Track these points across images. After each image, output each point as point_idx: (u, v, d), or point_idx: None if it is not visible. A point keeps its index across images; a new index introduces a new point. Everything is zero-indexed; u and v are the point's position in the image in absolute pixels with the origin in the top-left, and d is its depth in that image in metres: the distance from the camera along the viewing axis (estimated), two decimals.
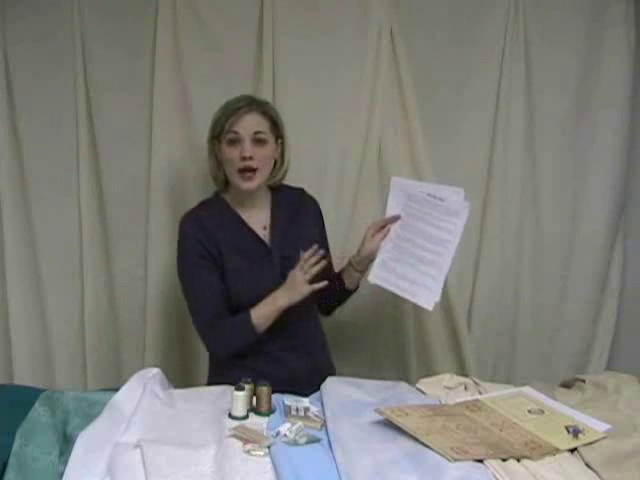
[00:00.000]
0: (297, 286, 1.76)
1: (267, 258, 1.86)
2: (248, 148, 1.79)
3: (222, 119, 1.82)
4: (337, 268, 2.02)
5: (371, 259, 1.93)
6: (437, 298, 1.84)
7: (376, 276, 1.92)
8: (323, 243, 1.98)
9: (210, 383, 1.91)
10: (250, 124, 1.81)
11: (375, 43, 2.13)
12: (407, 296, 1.88)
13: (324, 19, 2.14)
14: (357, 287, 2.00)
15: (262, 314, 1.79)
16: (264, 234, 1.89)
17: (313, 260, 1.76)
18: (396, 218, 1.92)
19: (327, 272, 1.88)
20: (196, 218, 1.86)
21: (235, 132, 1.80)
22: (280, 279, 1.81)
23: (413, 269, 1.87)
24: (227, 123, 1.80)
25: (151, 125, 2.15)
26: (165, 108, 2.14)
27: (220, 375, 1.86)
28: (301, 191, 1.99)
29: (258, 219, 1.90)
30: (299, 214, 1.95)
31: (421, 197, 1.88)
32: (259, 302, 1.79)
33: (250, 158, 1.79)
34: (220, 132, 1.82)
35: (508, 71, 2.16)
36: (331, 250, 2.05)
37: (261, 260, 1.85)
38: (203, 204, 1.92)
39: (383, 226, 1.92)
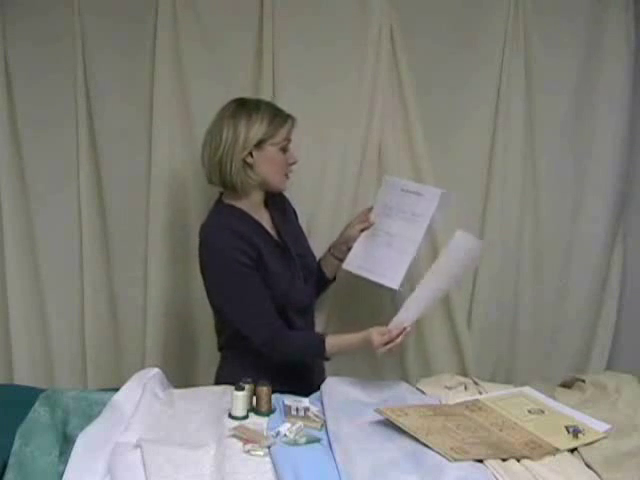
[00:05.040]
0: (373, 349, 1.75)
1: (289, 257, 1.87)
2: (295, 155, 1.86)
3: (276, 125, 1.79)
4: None
5: (348, 246, 1.96)
6: (401, 278, 1.84)
7: (348, 263, 1.95)
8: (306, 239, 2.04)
9: (219, 376, 1.91)
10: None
11: (375, 43, 2.13)
12: (372, 277, 1.89)
13: (324, 19, 2.14)
14: (334, 278, 2.03)
15: (336, 344, 1.80)
16: (273, 234, 1.89)
17: (399, 340, 1.75)
18: (378, 212, 1.95)
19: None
20: (227, 228, 1.78)
21: (289, 140, 1.83)
22: (301, 276, 1.88)
23: (381, 253, 1.90)
24: (283, 129, 1.80)
25: (151, 125, 2.15)
26: (165, 108, 2.14)
27: (231, 375, 1.81)
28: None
29: (265, 220, 1.90)
30: (285, 212, 1.98)
31: (401, 193, 1.92)
32: (293, 303, 1.83)
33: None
34: (270, 137, 1.79)
35: (508, 71, 2.15)
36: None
37: (287, 260, 1.86)
38: (218, 214, 1.84)
39: (368, 218, 1.96)
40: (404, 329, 1.74)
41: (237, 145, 1.77)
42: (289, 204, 2.02)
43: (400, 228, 1.89)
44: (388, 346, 1.73)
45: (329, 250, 2.03)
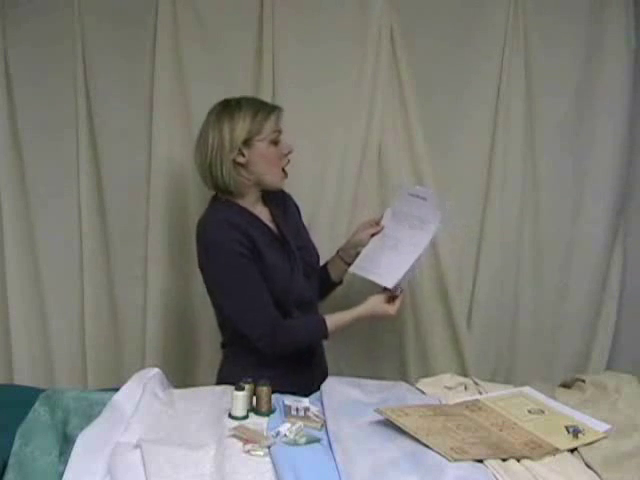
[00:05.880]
0: (386, 316, 1.87)
1: (289, 251, 1.86)
2: (290, 144, 1.84)
3: (260, 120, 1.78)
4: None
5: (357, 250, 1.96)
6: (396, 279, 1.84)
7: (356, 266, 1.95)
8: (308, 234, 2.03)
9: (221, 374, 1.91)
10: (281, 122, 1.84)
11: (375, 43, 2.13)
12: (369, 276, 1.90)
13: (324, 19, 2.14)
14: (341, 281, 2.03)
15: (337, 324, 1.83)
16: (273, 228, 1.89)
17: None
18: (390, 218, 1.96)
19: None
20: (223, 219, 1.78)
21: (279, 131, 1.82)
22: (301, 270, 1.87)
23: (385, 256, 1.90)
24: (269, 123, 1.79)
25: (151, 125, 2.15)
26: (165, 108, 2.14)
27: (232, 374, 1.81)
28: None
29: (265, 216, 1.90)
30: (287, 208, 1.97)
31: (409, 198, 1.93)
32: (293, 297, 1.82)
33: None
34: (256, 134, 1.78)
35: (508, 71, 2.15)
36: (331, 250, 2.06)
37: (286, 254, 1.86)
38: (216, 209, 1.85)
39: (378, 223, 1.97)
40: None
41: (224, 147, 1.77)
42: (291, 200, 2.01)
43: (407, 233, 1.90)
44: (398, 306, 1.86)
45: (337, 253, 2.02)
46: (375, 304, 1.86)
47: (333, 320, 1.83)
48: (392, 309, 1.85)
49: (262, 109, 1.80)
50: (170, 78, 2.14)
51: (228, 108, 1.80)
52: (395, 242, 1.91)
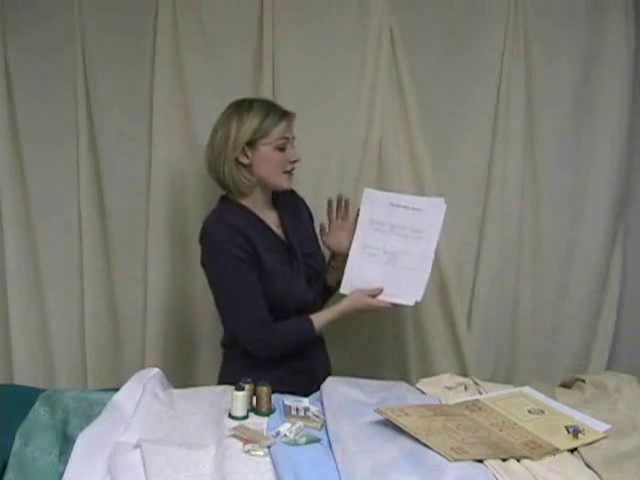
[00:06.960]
0: (370, 309, 1.89)
1: (293, 256, 1.87)
2: (298, 152, 1.84)
3: (268, 124, 1.78)
4: None
5: (342, 254, 1.96)
6: (418, 297, 1.86)
7: (345, 287, 1.93)
8: (318, 240, 2.03)
9: (222, 373, 1.92)
10: (292, 129, 1.84)
11: (375, 44, 2.13)
12: (388, 299, 1.88)
13: (324, 21, 2.14)
14: (338, 285, 2.02)
15: (323, 322, 1.85)
16: (279, 233, 1.89)
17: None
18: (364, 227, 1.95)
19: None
20: (225, 221, 1.79)
21: (286, 138, 1.82)
22: (304, 276, 1.87)
23: (388, 274, 1.89)
24: (277, 128, 1.79)
25: (151, 127, 2.14)
26: (165, 111, 2.14)
27: (232, 374, 1.81)
28: (291, 191, 1.98)
29: (272, 220, 1.90)
30: (298, 212, 1.98)
31: (391, 207, 1.91)
32: (292, 302, 1.83)
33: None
34: (262, 137, 1.78)
35: (508, 72, 2.16)
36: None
37: (289, 259, 1.86)
38: (220, 210, 1.86)
39: (344, 218, 1.99)
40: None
41: (228, 145, 1.79)
42: (303, 205, 2.02)
43: (402, 245, 1.88)
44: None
45: (328, 262, 2.03)
46: (357, 299, 1.88)
47: (319, 318, 1.85)
48: (374, 302, 1.87)
49: (273, 113, 1.80)
50: (170, 84, 2.13)
51: (240, 108, 1.81)
52: (389, 257, 1.89)
